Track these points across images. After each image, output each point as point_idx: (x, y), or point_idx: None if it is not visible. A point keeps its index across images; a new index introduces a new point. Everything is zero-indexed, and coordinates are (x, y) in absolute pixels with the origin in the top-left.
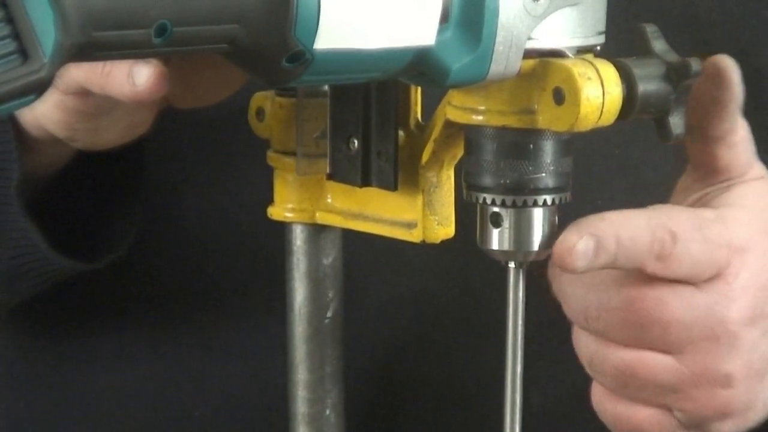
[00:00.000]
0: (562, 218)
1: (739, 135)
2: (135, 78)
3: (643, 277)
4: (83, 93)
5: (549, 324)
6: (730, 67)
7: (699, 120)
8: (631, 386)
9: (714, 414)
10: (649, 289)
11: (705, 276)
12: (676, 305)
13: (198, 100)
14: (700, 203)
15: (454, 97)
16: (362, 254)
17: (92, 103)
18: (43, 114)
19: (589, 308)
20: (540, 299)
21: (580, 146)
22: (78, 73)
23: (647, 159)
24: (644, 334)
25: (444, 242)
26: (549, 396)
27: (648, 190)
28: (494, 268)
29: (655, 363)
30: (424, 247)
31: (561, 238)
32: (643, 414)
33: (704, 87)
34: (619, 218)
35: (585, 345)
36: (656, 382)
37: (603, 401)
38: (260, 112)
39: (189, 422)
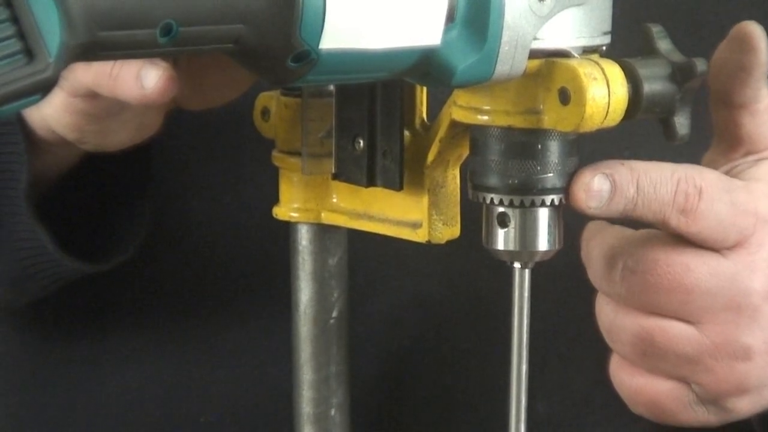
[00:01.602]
0: (568, 218)
1: (764, 103)
2: (143, 81)
3: (670, 241)
4: (91, 95)
5: (556, 332)
6: (756, 33)
7: (723, 87)
8: (650, 355)
9: (731, 388)
10: (676, 254)
11: (729, 241)
12: (702, 271)
13: (206, 101)
14: None
15: (460, 97)
16: (369, 259)
17: (100, 106)
18: (52, 116)
19: (613, 271)
20: (547, 307)
21: (589, 148)
22: (86, 76)
23: (656, 160)
24: (666, 299)
25: (450, 246)
26: (555, 403)
27: None
28: (501, 272)
29: (675, 331)
30: (430, 250)
31: (576, 176)
32: (661, 387)
33: (730, 53)
34: (641, 165)
35: (605, 313)
36: (675, 352)
37: (620, 373)
38: (265, 112)
39: (195, 424)
